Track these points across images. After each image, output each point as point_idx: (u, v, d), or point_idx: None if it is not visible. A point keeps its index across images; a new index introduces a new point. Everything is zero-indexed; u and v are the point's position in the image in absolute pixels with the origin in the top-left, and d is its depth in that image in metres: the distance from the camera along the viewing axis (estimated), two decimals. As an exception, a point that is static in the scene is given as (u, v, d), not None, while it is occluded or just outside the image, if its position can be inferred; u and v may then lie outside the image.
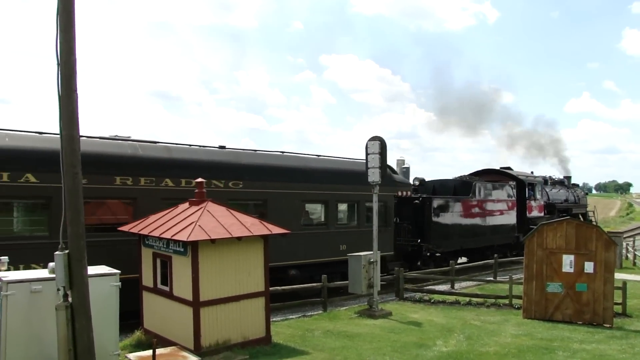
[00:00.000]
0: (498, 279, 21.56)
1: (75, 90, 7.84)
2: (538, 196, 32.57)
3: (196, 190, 11.88)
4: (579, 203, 38.04)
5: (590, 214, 40.82)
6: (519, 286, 16.24)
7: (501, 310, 16.50)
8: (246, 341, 11.31)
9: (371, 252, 15.67)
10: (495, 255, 24.26)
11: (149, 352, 9.43)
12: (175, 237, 10.38)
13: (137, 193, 14.10)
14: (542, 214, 32.20)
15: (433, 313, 15.86)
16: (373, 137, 15.43)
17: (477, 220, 27.02)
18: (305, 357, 11.05)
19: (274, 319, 13.91)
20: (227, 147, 17.32)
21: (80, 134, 8.10)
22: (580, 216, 36.86)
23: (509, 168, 33.01)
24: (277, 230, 11.86)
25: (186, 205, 11.89)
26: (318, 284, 16.25)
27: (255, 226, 11.50)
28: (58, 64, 7.76)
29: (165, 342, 10.86)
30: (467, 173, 30.59)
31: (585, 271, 14.56)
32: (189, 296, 10.56)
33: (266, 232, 11.54)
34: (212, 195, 12.97)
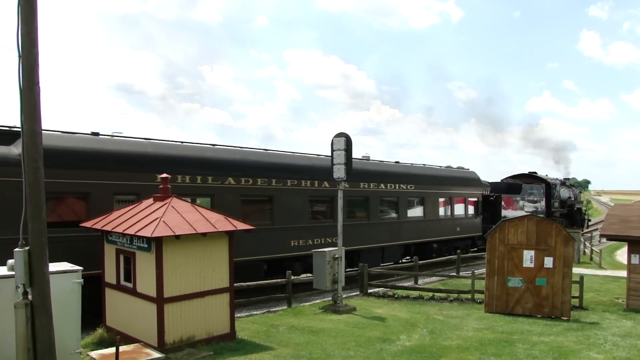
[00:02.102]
0: (461, 274, 21.86)
1: (38, 84, 7.68)
2: (557, 194, 42.58)
3: (160, 186, 11.76)
4: (577, 199, 48.78)
5: (584, 208, 50.69)
6: (481, 281, 16.53)
7: (464, 304, 16.76)
8: (211, 337, 11.27)
9: (336, 248, 15.74)
10: (458, 251, 24.78)
11: (112, 350, 9.33)
12: (139, 233, 10.26)
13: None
14: (559, 207, 42.47)
15: (397, 308, 16.02)
16: (339, 133, 15.47)
17: (525, 211, 35.67)
18: (270, 353, 11.05)
19: (238, 315, 13.89)
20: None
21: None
22: (578, 210, 48.13)
23: (535, 172, 42.45)
24: (242, 226, 11.83)
25: (150, 201, 11.77)
26: (282, 279, 16.25)
27: (220, 222, 11.44)
28: (19, 57, 7.59)
29: (129, 340, 10.75)
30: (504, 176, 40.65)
31: (545, 266, 14.90)
32: (152, 292, 10.47)
33: (231, 228, 11.50)
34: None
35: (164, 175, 11.89)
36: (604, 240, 36.91)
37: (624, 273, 17.80)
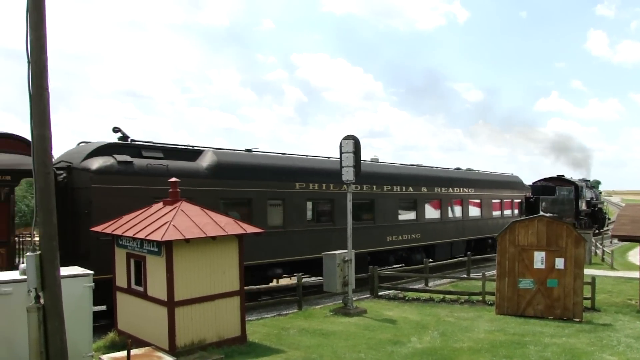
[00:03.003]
0: (471, 276, 21.79)
1: (47, 89, 7.73)
2: (583, 195, 45.50)
3: (170, 190, 11.79)
4: (599, 199, 52.74)
5: (604, 207, 54.43)
6: (492, 283, 16.44)
7: (474, 306, 16.69)
8: (221, 340, 11.27)
9: (346, 251, 15.72)
10: (469, 252, 24.74)
11: (124, 353, 9.37)
12: (149, 237, 10.30)
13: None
14: (585, 208, 45.87)
15: (407, 310, 15.98)
16: (347, 135, 15.46)
17: (560, 210, 40.31)
18: (281, 356, 11.06)
19: (249, 318, 13.90)
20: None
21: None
22: (599, 209, 51.50)
23: (562, 175, 46.05)
24: (251, 229, 11.85)
25: (160, 205, 11.80)
26: (293, 282, 16.25)
27: (230, 225, 11.46)
28: (29, 62, 7.64)
29: (140, 343, 10.79)
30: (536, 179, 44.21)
31: (556, 267, 14.81)
32: (163, 296, 10.50)
33: (241, 231, 11.51)
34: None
35: (173, 179, 11.92)
36: (615, 241, 36.82)
37: (636, 274, 17.68)
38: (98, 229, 12.12)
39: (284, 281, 19.07)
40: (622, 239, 18.60)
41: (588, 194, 47.83)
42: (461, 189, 28.17)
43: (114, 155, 14.70)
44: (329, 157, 21.70)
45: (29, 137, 7.91)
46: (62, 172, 14.06)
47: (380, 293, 18.31)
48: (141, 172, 14.86)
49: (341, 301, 16.04)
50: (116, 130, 15.92)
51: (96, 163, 14.30)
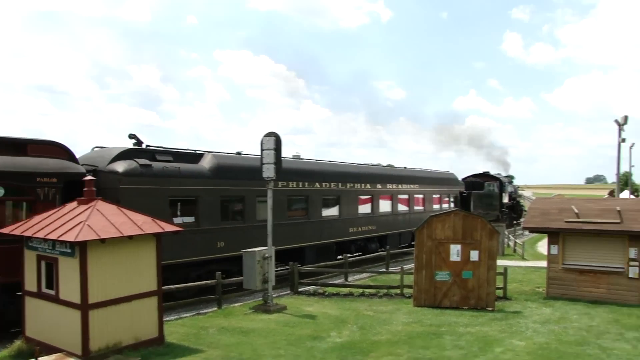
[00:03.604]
0: (390, 270, 22.23)
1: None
2: (506, 190, 49.48)
3: (85, 189, 11.41)
4: (517, 193, 56.77)
5: (521, 200, 58.32)
6: (410, 276, 16.88)
7: (393, 300, 17.07)
8: (138, 342, 11.03)
9: (265, 248, 15.70)
10: (388, 247, 25.35)
11: (32, 361, 9.00)
12: (62, 238, 9.93)
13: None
14: (507, 201, 49.90)
15: (327, 305, 16.15)
16: (268, 132, 15.43)
17: (488, 203, 44.77)
18: (200, 355, 10.95)
19: (167, 319, 13.68)
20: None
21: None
22: (518, 202, 55.82)
23: (488, 172, 49.26)
24: (169, 227, 11.65)
25: (74, 204, 11.40)
26: (212, 281, 16.09)
27: (148, 224, 11.22)
28: None
29: (51, 350, 10.40)
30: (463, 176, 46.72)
31: (471, 259, 15.39)
32: (76, 299, 10.15)
33: (158, 230, 11.30)
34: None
35: (88, 178, 11.56)
36: (526, 232, 38.54)
37: (544, 263, 18.57)
38: (5, 230, 11.58)
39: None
40: (532, 230, 19.50)
41: (509, 189, 52.08)
42: (408, 185, 31.48)
43: (135, 159, 16.36)
44: (303, 159, 24.89)
45: None
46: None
47: (300, 289, 18.41)
48: (158, 174, 16.59)
49: (261, 298, 16.03)
50: (132, 136, 17.81)
51: (122, 166, 15.93)
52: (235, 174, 19.40)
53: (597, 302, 16.15)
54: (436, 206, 34.79)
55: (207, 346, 11.58)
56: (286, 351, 11.23)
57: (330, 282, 19.94)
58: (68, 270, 10.37)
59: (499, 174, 53.49)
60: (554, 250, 17.25)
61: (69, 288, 10.38)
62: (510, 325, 13.51)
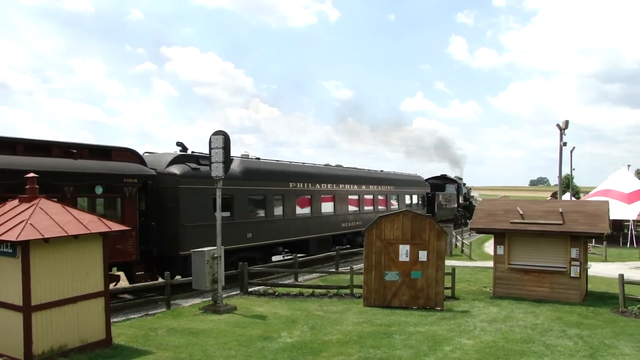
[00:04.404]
0: (340, 270, 22.29)
1: None
2: (462, 191, 54.56)
3: (27, 187, 11.02)
4: (470, 194, 60.13)
5: (473, 201, 60.40)
6: (360, 276, 16.95)
7: (343, 300, 17.12)
8: (85, 345, 10.74)
9: (215, 247, 15.52)
10: (337, 247, 25.54)
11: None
12: (2, 238, 9.56)
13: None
14: (463, 201, 54.36)
15: (277, 306, 16.08)
16: (216, 131, 15.25)
17: (449, 203, 49.46)
18: (149, 357, 10.73)
19: (115, 320, 13.37)
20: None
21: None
22: (470, 203, 58.39)
23: (445, 175, 53.64)
24: (116, 227, 11.38)
25: (15, 202, 11.00)
26: (161, 281, 15.82)
27: (94, 223, 10.93)
28: None
29: (-9, 352, 10.02)
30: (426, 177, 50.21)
31: (420, 259, 15.55)
32: (18, 301, 9.78)
33: (105, 229, 11.02)
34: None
35: (31, 175, 11.18)
36: (473, 233, 39.28)
37: (491, 263, 18.94)
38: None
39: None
40: (479, 231, 19.84)
41: (464, 190, 56.51)
42: (387, 187, 35.42)
43: (187, 164, 19.28)
44: (306, 164, 28.50)
45: None
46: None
47: (250, 289, 18.27)
48: (204, 176, 18.55)
49: (211, 299, 15.83)
50: (179, 144, 21.04)
51: (179, 169, 18.85)
52: (259, 176, 22.81)
53: (542, 300, 16.59)
54: (408, 205, 39.29)
55: (157, 348, 11.37)
56: (237, 352, 11.11)
57: (280, 282, 19.89)
58: (9, 271, 9.98)
59: (456, 176, 57.52)
60: (500, 250, 17.63)
61: (9, 290, 10.00)
62: (458, 324, 13.72)
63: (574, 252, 16.60)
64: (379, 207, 33.60)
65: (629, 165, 48.42)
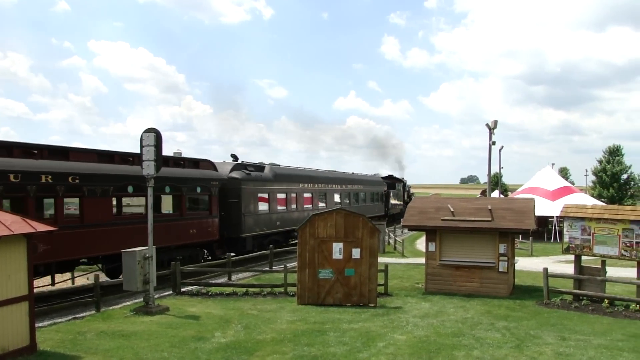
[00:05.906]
0: (274, 268, 22.26)
1: None
2: (406, 189, 61.05)
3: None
4: (411, 192, 64.07)
5: (414, 198, 61.75)
6: (294, 274, 16.97)
7: (277, 298, 17.09)
8: (6, 353, 10.26)
9: (146, 247, 15.19)
10: (271, 246, 25.40)
11: None
12: None
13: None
14: (407, 199, 57.47)
15: (211, 305, 15.90)
16: (148, 129, 14.90)
17: (398, 200, 56.17)
18: (77, 362, 10.39)
19: (40, 325, 12.90)
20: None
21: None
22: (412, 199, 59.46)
23: (392, 175, 59.51)
24: (42, 227, 10.95)
25: None
26: (90, 282, 15.36)
27: (17, 224, 10.48)
28: None
29: None
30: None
31: (353, 257, 15.67)
32: None
33: (29, 230, 10.58)
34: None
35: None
36: (406, 230, 39.94)
37: (423, 260, 19.28)
38: None
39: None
40: (411, 228, 20.17)
41: (407, 188, 62.69)
42: (359, 185, 44.00)
43: (242, 170, 26.72)
44: (304, 168, 36.23)
45: None
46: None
47: (183, 289, 18.01)
48: (253, 179, 27.04)
49: (142, 300, 15.49)
50: (233, 156, 28.69)
51: (239, 174, 26.37)
52: (283, 179, 30.24)
53: (472, 295, 17.06)
54: (369, 201, 46.62)
55: (85, 352, 11.01)
56: (169, 353, 10.91)
57: (214, 281, 19.67)
58: None
59: (402, 177, 63.44)
60: (432, 247, 17.99)
61: None
62: (391, 320, 13.93)
63: (502, 248, 17.12)
64: (357, 203, 41.85)
65: (553, 164, 50.64)
